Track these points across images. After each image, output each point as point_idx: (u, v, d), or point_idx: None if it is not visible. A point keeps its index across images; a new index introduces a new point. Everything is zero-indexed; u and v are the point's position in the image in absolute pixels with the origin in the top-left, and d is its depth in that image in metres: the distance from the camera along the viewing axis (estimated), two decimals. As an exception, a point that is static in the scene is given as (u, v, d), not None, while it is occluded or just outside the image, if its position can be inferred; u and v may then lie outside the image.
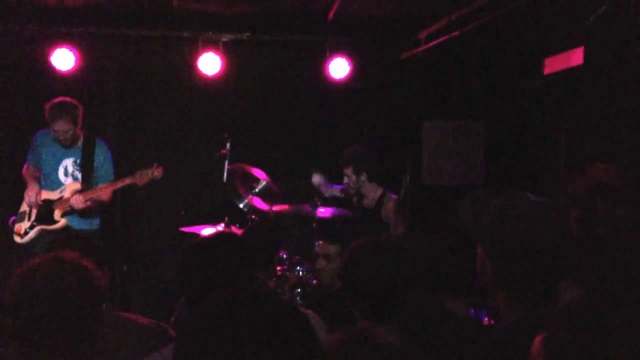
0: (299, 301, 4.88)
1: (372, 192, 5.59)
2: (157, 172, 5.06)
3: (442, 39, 6.30)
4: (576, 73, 5.67)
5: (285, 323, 1.24)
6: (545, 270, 1.84)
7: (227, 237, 2.57)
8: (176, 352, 1.26)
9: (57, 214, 5.21)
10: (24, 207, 5.32)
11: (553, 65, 5.98)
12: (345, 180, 5.61)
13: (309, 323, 1.28)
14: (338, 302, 3.33)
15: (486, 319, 4.33)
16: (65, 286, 1.99)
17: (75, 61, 6.49)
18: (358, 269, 2.32)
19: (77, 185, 5.22)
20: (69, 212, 5.21)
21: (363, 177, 5.54)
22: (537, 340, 1.32)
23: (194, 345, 1.22)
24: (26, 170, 5.45)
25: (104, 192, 5.17)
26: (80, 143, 5.29)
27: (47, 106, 5.14)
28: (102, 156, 5.31)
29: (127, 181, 5.11)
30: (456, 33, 6.01)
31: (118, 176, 5.31)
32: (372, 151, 5.62)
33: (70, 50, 6.46)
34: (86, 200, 5.10)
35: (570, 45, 5.66)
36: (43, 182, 5.32)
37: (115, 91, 7.08)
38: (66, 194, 5.20)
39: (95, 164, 5.28)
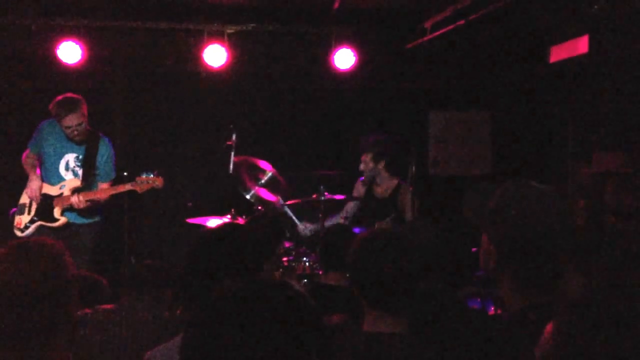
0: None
1: (387, 181, 5.62)
2: (157, 182, 5.07)
3: (447, 28, 6.28)
4: (582, 61, 5.66)
5: (296, 312, 1.25)
6: (549, 256, 1.85)
7: (236, 227, 2.59)
8: (185, 342, 1.26)
9: (56, 212, 5.19)
10: (24, 199, 5.29)
11: (559, 53, 5.97)
12: (362, 167, 5.62)
13: (319, 314, 1.29)
14: (340, 294, 3.33)
15: (493, 308, 4.35)
16: (27, 280, 1.82)
17: (82, 54, 6.50)
18: (366, 259, 2.32)
19: (77, 182, 5.20)
20: (68, 209, 5.20)
21: (381, 166, 5.56)
22: (548, 328, 1.33)
23: (203, 335, 1.22)
24: (26, 158, 5.40)
25: (103, 194, 5.20)
26: (84, 140, 5.28)
27: (52, 105, 5.10)
28: (105, 154, 5.29)
29: (128, 187, 5.11)
30: (462, 22, 6.00)
31: (119, 170, 5.31)
32: (394, 142, 5.64)
33: (77, 44, 6.47)
34: (86, 201, 5.13)
35: (576, 34, 5.65)
36: (43, 174, 5.29)
37: (122, 83, 7.10)
38: (66, 191, 5.18)
39: (97, 161, 5.27)
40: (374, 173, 5.59)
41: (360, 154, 5.61)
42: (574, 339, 1.21)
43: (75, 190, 5.15)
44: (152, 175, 5.06)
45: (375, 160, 5.53)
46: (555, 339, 1.26)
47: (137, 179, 5.07)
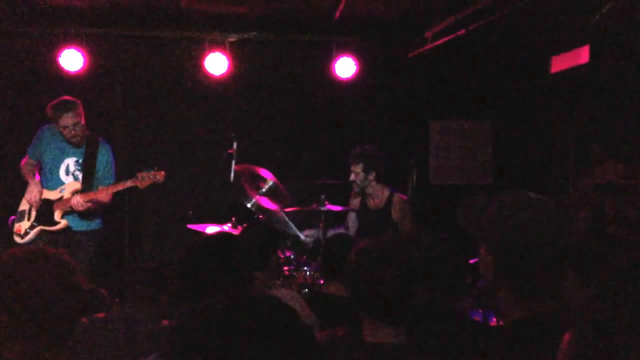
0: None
1: (380, 193, 5.58)
2: (159, 176, 5.02)
3: (448, 37, 6.30)
4: (583, 71, 5.66)
5: (285, 328, 1.25)
6: (546, 266, 1.85)
7: (226, 237, 2.58)
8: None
9: (57, 215, 5.16)
10: (24, 206, 5.27)
11: (560, 63, 5.97)
12: (352, 177, 5.59)
13: (308, 330, 1.29)
14: (341, 304, 3.32)
15: (494, 319, 4.34)
16: (40, 283, 1.84)
17: (83, 62, 6.52)
18: (364, 270, 2.32)
19: (77, 185, 5.17)
20: (69, 213, 5.16)
21: (371, 176, 5.52)
22: (565, 338, 1.33)
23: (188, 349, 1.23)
24: (25, 164, 5.39)
25: (104, 194, 5.14)
26: (83, 143, 5.27)
27: (48, 108, 5.09)
28: (104, 158, 5.28)
29: (129, 184, 5.06)
30: (462, 32, 6.01)
31: (120, 177, 5.29)
32: (382, 152, 5.62)
33: (78, 51, 6.49)
34: (86, 202, 5.07)
35: (577, 44, 5.66)
36: (43, 179, 5.27)
37: (123, 91, 7.11)
38: (66, 194, 5.16)
39: (97, 165, 5.24)
40: (364, 184, 5.55)
41: (349, 165, 5.57)
42: (589, 350, 1.21)
43: (75, 192, 5.12)
44: (152, 171, 5.03)
45: (366, 171, 5.49)
46: (572, 349, 1.27)
47: (138, 174, 5.02)
